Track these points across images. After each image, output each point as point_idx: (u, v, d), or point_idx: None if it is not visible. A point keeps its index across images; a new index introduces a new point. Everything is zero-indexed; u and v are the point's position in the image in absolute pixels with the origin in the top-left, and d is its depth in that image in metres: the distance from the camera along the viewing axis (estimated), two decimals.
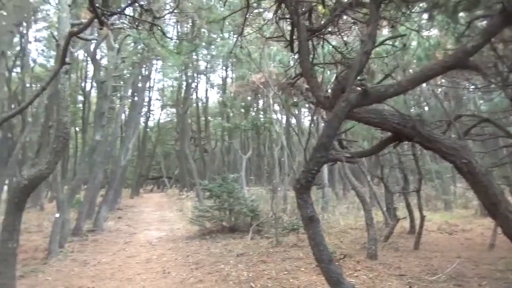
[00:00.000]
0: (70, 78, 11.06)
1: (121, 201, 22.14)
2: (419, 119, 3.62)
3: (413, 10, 5.40)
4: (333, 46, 6.04)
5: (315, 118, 11.78)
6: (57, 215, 9.03)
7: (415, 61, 8.86)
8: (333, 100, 4.13)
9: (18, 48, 21.59)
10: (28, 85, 22.66)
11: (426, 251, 8.23)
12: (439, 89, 11.40)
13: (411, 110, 14.66)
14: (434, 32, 8.29)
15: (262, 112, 26.28)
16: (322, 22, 5.45)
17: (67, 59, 5.58)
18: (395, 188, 12.90)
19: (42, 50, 27.05)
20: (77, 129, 31.49)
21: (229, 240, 10.17)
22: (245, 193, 14.14)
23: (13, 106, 20.85)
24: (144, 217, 16.86)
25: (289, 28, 5.46)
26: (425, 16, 5.81)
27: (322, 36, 5.51)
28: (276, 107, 20.18)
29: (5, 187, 18.93)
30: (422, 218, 8.67)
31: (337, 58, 6.25)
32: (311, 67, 4.68)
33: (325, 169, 15.82)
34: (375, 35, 4.02)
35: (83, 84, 29.66)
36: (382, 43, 4.73)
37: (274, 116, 16.73)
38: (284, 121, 25.04)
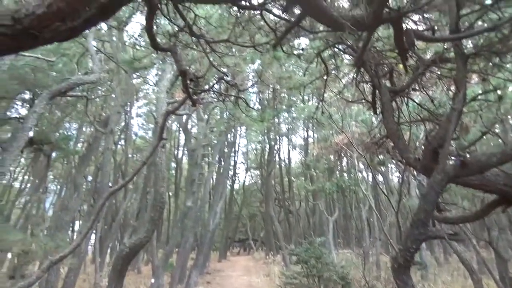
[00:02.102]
0: (165, 149, 12.17)
1: (209, 264, 22.51)
2: None
3: (505, 60, 5.04)
4: (418, 104, 5.81)
5: (404, 175, 11.11)
6: (153, 280, 9.47)
7: None
8: (424, 162, 3.90)
9: (122, 124, 24.67)
10: (130, 155, 25.41)
11: None
12: None
13: None
14: None
15: (346, 173, 25.63)
16: (405, 80, 5.35)
17: (163, 135, 6.21)
18: (509, 253, 11.18)
19: (142, 123, 30.59)
20: (170, 193, 33.75)
21: None
22: (334, 258, 13.44)
23: (117, 175, 23.34)
24: (232, 282, 16.80)
25: (370, 87, 5.44)
26: None
27: (405, 95, 5.37)
28: (361, 165, 19.57)
29: (108, 250, 20.68)
30: None
31: (423, 115, 5.97)
32: (396, 128, 4.53)
33: None
34: (465, 92, 3.81)
35: (175, 152, 32.26)
36: (473, 99, 4.43)
37: (359, 174, 16.19)
38: (370, 178, 24.05)
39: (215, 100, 11.09)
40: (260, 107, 20.15)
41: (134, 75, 16.88)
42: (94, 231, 17.20)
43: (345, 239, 29.28)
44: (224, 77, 6.48)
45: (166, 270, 12.54)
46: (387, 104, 4.53)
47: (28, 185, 21.59)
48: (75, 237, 20.94)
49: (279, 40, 3.67)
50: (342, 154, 16.58)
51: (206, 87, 6.73)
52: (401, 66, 5.39)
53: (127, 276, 15.03)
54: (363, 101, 5.92)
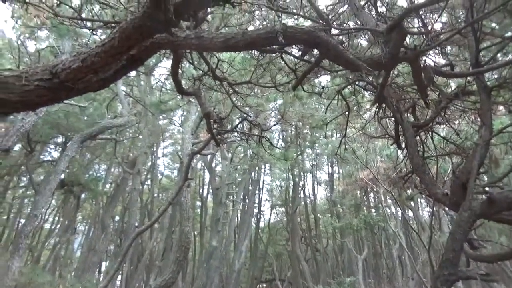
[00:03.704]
0: (190, 188, 12.30)
1: None
2: None
3: None
4: (443, 138, 5.72)
5: (435, 210, 10.73)
6: None
7: None
8: (452, 197, 3.78)
9: (149, 164, 25.18)
10: (156, 195, 25.70)
11: None
12: None
13: None
14: None
15: (373, 209, 24.91)
16: (429, 113, 5.30)
17: (189, 175, 6.33)
18: None
19: (167, 163, 31.08)
20: (195, 233, 33.46)
21: None
22: None
23: (144, 214, 23.55)
24: None
25: (393, 122, 5.42)
26: None
27: (430, 129, 5.30)
28: (389, 201, 19.02)
29: None
30: None
31: (450, 148, 5.84)
32: (422, 163, 4.45)
33: None
34: (490, 125, 3.75)
35: (200, 191, 32.33)
36: (500, 131, 4.33)
37: (387, 210, 15.71)
38: (399, 214, 23.26)
39: (239, 139, 11.29)
40: (283, 144, 20.24)
41: (161, 117, 17.46)
42: (120, 272, 17.19)
43: (376, 279, 27.88)
44: (247, 117, 6.64)
45: None
46: (410, 139, 4.48)
47: (58, 226, 22.08)
48: (101, 278, 20.97)
49: (298, 82, 3.77)
50: (369, 190, 16.23)
51: (230, 127, 6.90)
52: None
53: None
54: (387, 136, 5.89)
